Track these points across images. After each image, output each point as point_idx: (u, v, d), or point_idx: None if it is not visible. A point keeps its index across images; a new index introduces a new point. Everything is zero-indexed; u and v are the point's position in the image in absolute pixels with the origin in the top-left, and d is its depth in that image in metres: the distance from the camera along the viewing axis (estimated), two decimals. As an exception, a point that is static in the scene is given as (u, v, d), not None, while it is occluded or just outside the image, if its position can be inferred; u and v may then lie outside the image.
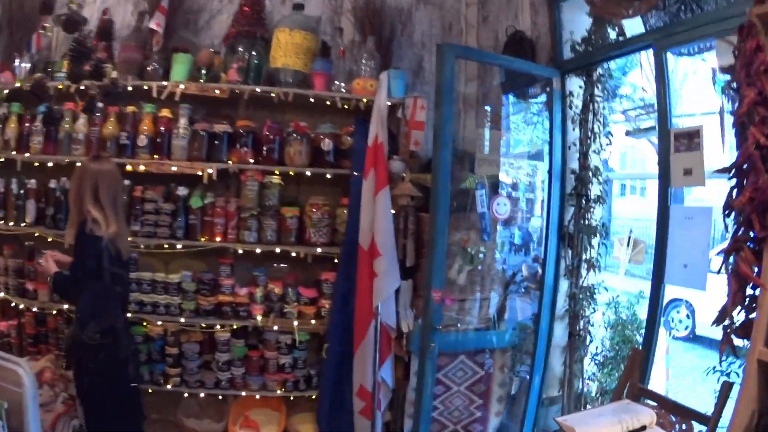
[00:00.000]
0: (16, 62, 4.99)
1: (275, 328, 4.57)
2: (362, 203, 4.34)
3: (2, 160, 4.85)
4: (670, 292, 8.26)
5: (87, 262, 3.59)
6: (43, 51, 5.25)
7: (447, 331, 4.20)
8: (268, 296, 4.63)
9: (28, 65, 5.04)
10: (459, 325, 4.42)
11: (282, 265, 4.76)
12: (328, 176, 4.60)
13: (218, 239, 4.58)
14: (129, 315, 4.35)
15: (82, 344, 3.55)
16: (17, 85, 4.80)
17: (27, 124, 4.79)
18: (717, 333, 2.49)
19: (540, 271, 4.54)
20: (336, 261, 4.57)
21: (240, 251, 4.61)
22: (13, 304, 4.84)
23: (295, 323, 4.58)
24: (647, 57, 3.99)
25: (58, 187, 4.73)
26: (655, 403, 2.96)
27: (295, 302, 4.63)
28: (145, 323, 4.68)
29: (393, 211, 4.31)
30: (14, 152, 4.79)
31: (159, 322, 4.67)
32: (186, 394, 4.78)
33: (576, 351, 4.35)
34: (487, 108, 4.91)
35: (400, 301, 4.32)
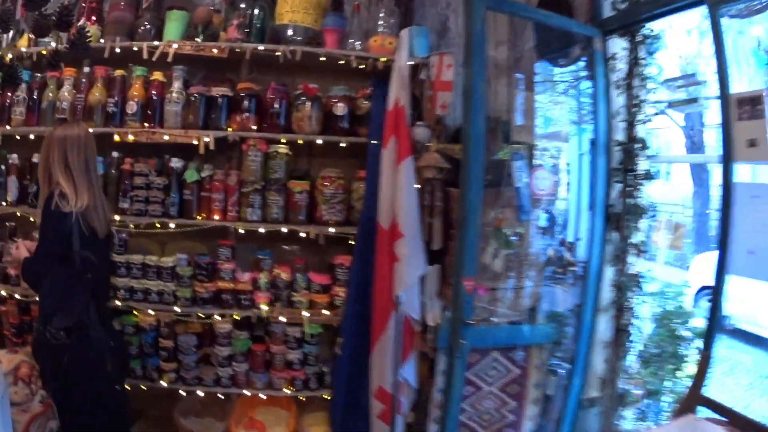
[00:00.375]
0: (-5, 32, 4.16)
1: (282, 319, 3.89)
2: (382, 176, 3.67)
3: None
4: (701, 278, 7.43)
5: (52, 244, 3.02)
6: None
7: (478, 325, 3.47)
8: (274, 283, 3.98)
9: (10, 34, 4.49)
10: (491, 317, 3.69)
11: (292, 247, 4.13)
12: (342, 145, 3.90)
13: (216, 217, 3.93)
14: (118, 303, 3.90)
15: (45, 344, 2.97)
16: (-3, 54, 4.01)
17: (9, 94, 4.33)
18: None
19: (567, 255, 3.93)
20: (352, 243, 3.89)
21: (241, 231, 3.93)
22: (-8, 291, 3.92)
23: (305, 314, 3.91)
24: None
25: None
26: (723, 418, 2.49)
27: (305, 290, 3.96)
28: (135, 312, 4.08)
29: (417, 186, 3.60)
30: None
31: (151, 311, 4.05)
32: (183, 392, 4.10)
33: (621, 347, 3.64)
34: (519, 75, 4.11)
35: (425, 289, 3.61)
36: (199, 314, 3.92)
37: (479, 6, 3.15)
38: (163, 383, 4.02)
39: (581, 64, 3.93)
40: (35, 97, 4.28)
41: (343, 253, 3.92)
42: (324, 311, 3.87)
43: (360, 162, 3.91)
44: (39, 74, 4.31)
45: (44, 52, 4.16)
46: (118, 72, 4.14)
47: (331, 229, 3.81)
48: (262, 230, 3.83)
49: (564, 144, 4.12)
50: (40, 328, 2.91)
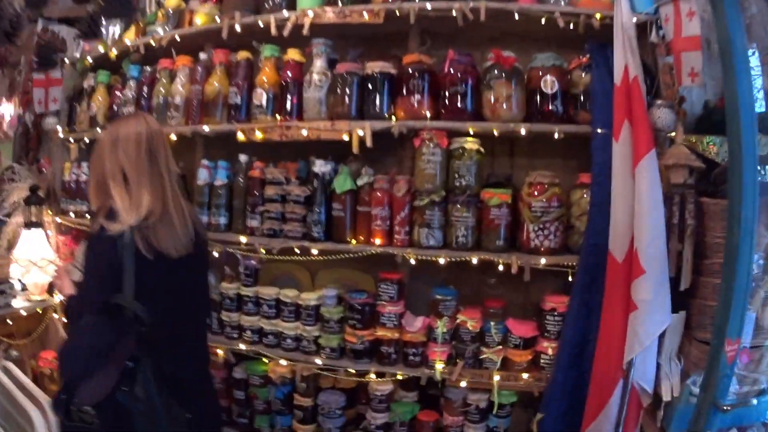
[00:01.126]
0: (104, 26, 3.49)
1: (463, 384, 2.40)
2: (613, 182, 2.17)
3: (87, 141, 3.29)
4: None
5: (92, 283, 1.75)
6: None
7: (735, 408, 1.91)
8: (457, 333, 2.46)
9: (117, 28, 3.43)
10: (743, 386, 2.02)
11: (491, 281, 2.58)
12: (556, 136, 2.34)
13: (378, 241, 2.49)
14: (243, 347, 2.66)
15: (69, 425, 1.69)
16: (102, 51, 3.31)
17: (118, 93, 3.20)
18: None
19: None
20: (569, 279, 2.33)
21: (412, 261, 2.41)
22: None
23: (496, 378, 2.38)
24: None
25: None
26: None
27: (498, 344, 2.41)
28: (265, 360, 2.71)
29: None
30: (99, 129, 3.15)
31: (283, 362, 2.63)
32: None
33: None
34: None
35: (662, 347, 2.10)
36: (349, 370, 2.48)
37: None
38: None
39: None
40: (145, 94, 3.07)
41: (557, 293, 2.39)
42: (523, 374, 2.38)
43: (581, 161, 2.41)
44: (150, 67, 3.11)
45: (152, 43, 3.00)
46: (242, 55, 2.82)
47: (542, 260, 2.30)
48: (441, 260, 2.38)
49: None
50: (61, 401, 1.69)
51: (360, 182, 2.46)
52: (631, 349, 2.05)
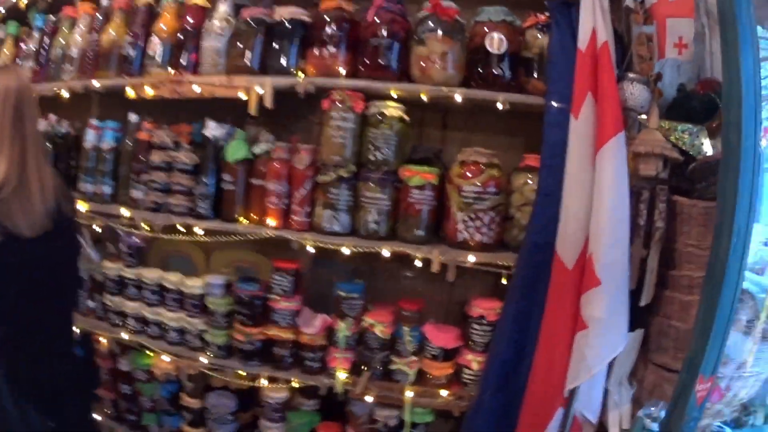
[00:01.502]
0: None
1: (369, 398, 1.82)
2: (568, 167, 1.57)
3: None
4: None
5: None
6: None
7: None
8: (363, 338, 1.85)
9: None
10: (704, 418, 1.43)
11: (407, 274, 1.95)
12: (500, 106, 1.72)
13: (272, 223, 1.86)
14: (125, 336, 2.07)
15: None
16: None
17: (23, 45, 2.52)
18: None
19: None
20: (504, 282, 1.75)
21: (311, 248, 1.79)
22: None
23: (409, 393, 1.78)
24: None
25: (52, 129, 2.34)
26: None
27: (412, 354, 1.82)
28: (150, 353, 2.11)
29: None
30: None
31: (166, 358, 2.04)
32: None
33: None
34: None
35: (613, 368, 1.56)
36: (239, 372, 1.80)
37: None
38: (186, 456, 2.23)
39: None
40: (46, 46, 2.44)
41: (486, 297, 1.82)
42: (441, 391, 1.81)
43: (528, 140, 1.86)
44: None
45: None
46: (142, 0, 2.17)
47: (471, 257, 1.71)
48: (346, 250, 1.76)
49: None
50: None
51: (257, 150, 1.88)
52: (575, 376, 1.53)
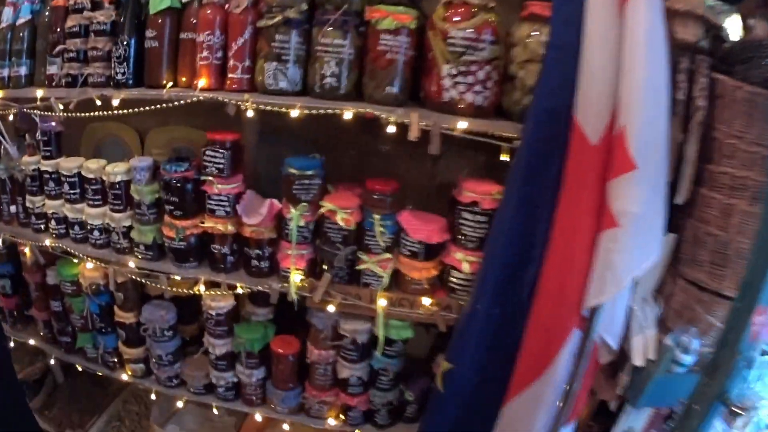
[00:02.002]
0: None
1: (331, 308, 1.43)
2: (588, 16, 1.09)
3: None
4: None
5: None
6: None
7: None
8: (322, 229, 1.46)
9: None
10: None
11: (383, 147, 1.57)
12: None
13: (203, 82, 1.43)
14: (48, 242, 1.74)
15: None
16: None
17: None
18: None
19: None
20: (505, 159, 1.27)
21: (250, 112, 1.33)
22: None
23: (382, 302, 1.38)
24: None
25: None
26: None
27: (385, 250, 1.40)
28: (74, 260, 1.78)
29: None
30: None
31: (90, 264, 1.70)
32: (153, 396, 1.97)
33: None
34: None
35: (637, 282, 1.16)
36: (172, 277, 1.20)
37: None
38: (125, 377, 1.87)
39: None
40: None
41: (480, 178, 1.42)
42: (423, 299, 1.44)
43: None
44: None
45: None
46: None
47: (462, 123, 1.30)
48: (296, 113, 1.33)
49: None
50: None
51: None
52: (600, 289, 1.15)
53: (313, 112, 1.32)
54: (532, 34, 1.32)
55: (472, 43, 1.29)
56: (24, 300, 2.13)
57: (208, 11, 1.42)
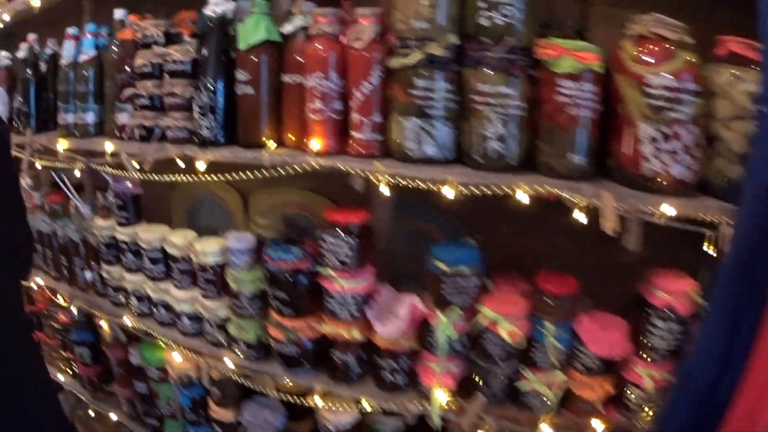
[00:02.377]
0: None
1: None
2: None
3: None
4: None
5: None
6: None
7: None
8: (478, 340, 1.00)
9: None
10: None
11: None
12: None
13: (316, 144, 1.02)
14: (128, 322, 1.56)
15: None
16: None
17: None
18: None
19: None
20: (705, 248, 0.78)
21: (385, 188, 0.93)
22: None
23: (547, 430, 0.91)
24: None
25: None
26: None
27: (553, 366, 0.97)
28: (161, 344, 1.45)
29: None
30: None
31: (177, 355, 1.38)
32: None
33: None
34: None
35: None
36: (280, 380, 1.23)
37: None
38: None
39: None
40: None
41: (674, 271, 0.94)
42: (593, 421, 0.97)
43: (715, 15, 0.85)
44: None
45: None
46: None
47: (667, 207, 0.80)
48: (450, 191, 0.92)
49: None
50: None
51: (288, 28, 1.10)
52: None
53: (467, 188, 0.92)
54: (734, 80, 0.85)
55: (675, 95, 0.84)
56: (106, 371, 1.92)
57: (319, 45, 1.04)
